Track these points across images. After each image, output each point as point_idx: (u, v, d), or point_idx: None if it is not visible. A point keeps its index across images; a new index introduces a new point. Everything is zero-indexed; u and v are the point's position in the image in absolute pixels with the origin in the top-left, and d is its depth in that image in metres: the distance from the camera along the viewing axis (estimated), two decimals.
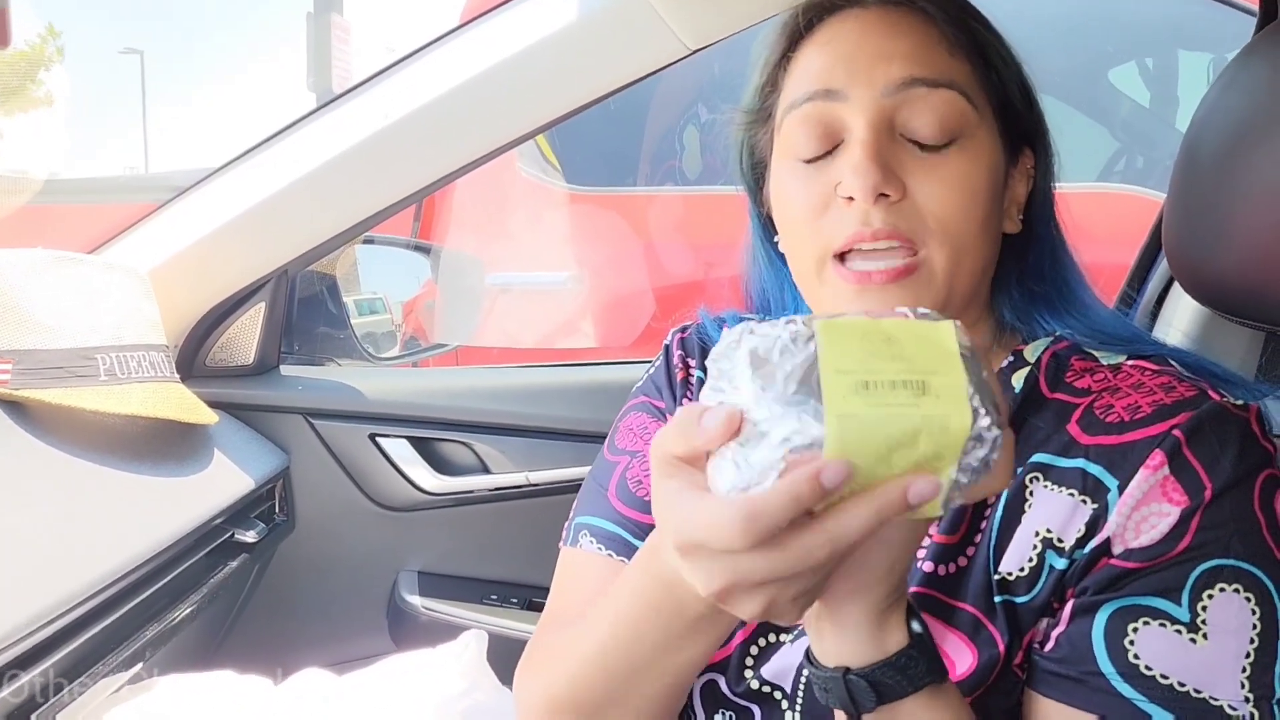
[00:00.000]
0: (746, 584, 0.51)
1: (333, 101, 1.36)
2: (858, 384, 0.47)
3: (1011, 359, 0.77)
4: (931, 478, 0.48)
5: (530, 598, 1.54)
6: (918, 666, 0.59)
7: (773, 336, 0.49)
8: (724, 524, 0.49)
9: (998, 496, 0.71)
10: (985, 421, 0.49)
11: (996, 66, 0.76)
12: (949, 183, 0.70)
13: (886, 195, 0.69)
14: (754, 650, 0.77)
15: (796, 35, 0.77)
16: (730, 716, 0.78)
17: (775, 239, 0.83)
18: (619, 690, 0.69)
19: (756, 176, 0.84)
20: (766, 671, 0.75)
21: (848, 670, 0.60)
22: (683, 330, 0.94)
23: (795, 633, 0.75)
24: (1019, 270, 0.80)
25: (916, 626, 0.60)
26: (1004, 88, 0.76)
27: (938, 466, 0.49)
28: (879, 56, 0.72)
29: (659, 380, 0.92)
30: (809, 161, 0.74)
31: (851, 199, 0.70)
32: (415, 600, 1.52)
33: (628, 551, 0.84)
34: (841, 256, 0.71)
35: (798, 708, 0.74)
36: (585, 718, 0.71)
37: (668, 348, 0.93)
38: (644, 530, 0.85)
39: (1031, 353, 0.76)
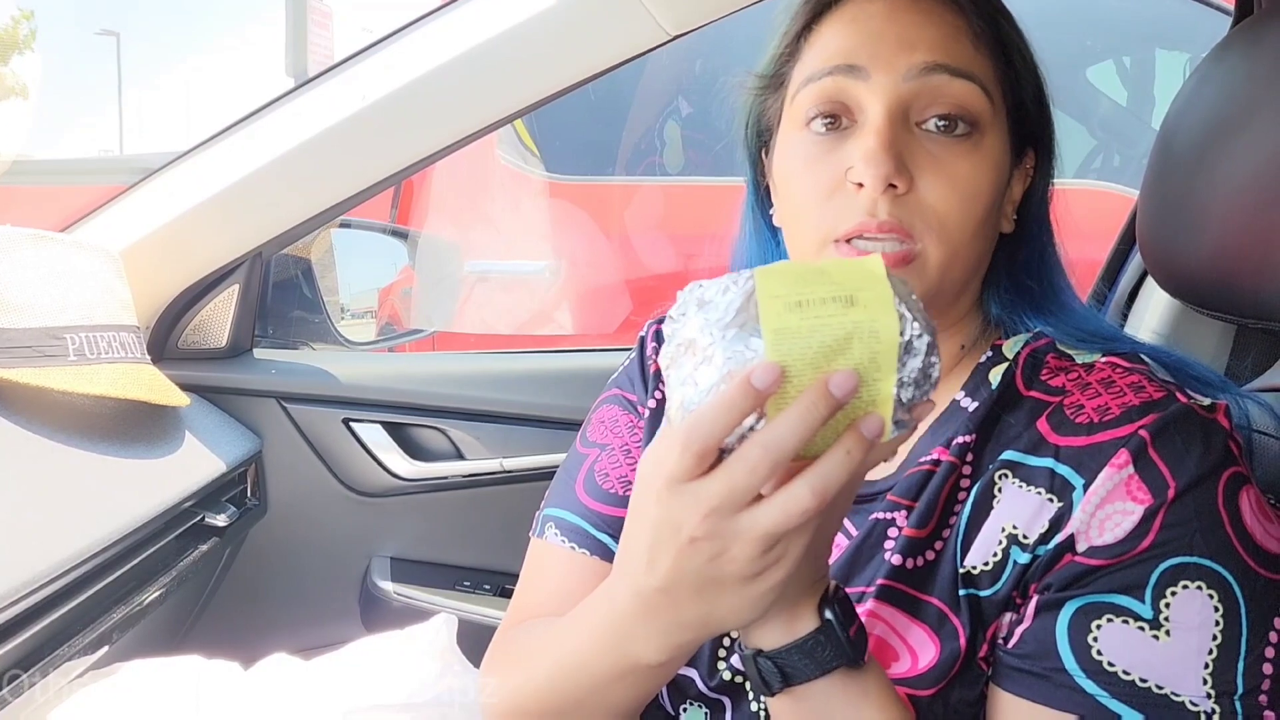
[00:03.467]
0: (702, 514, 0.53)
1: (310, 82, 1.34)
2: (791, 304, 0.52)
3: (990, 354, 0.77)
4: (849, 371, 0.51)
5: (503, 584, 1.54)
6: (824, 651, 0.61)
7: (718, 282, 0.55)
8: (673, 444, 0.53)
9: (968, 493, 0.71)
10: (915, 328, 0.52)
11: (1016, 65, 0.75)
12: (955, 180, 0.70)
13: (894, 186, 0.69)
14: (725, 642, 0.77)
15: (821, 8, 0.76)
16: (704, 711, 0.78)
17: (770, 211, 0.83)
18: (570, 713, 0.71)
19: (760, 144, 0.83)
20: (736, 661, 0.75)
21: (758, 652, 0.62)
22: (659, 322, 0.94)
23: None
24: (1010, 267, 0.79)
25: (828, 613, 0.61)
26: (1020, 88, 0.76)
27: (877, 377, 0.52)
28: (905, 41, 0.71)
29: (632, 373, 0.92)
30: (820, 137, 0.73)
31: (861, 185, 0.69)
32: (388, 586, 1.51)
33: (590, 544, 0.85)
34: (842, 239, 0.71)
35: (763, 698, 0.74)
36: None
37: (642, 340, 0.93)
38: (607, 523, 0.85)
39: (1010, 349, 0.76)
